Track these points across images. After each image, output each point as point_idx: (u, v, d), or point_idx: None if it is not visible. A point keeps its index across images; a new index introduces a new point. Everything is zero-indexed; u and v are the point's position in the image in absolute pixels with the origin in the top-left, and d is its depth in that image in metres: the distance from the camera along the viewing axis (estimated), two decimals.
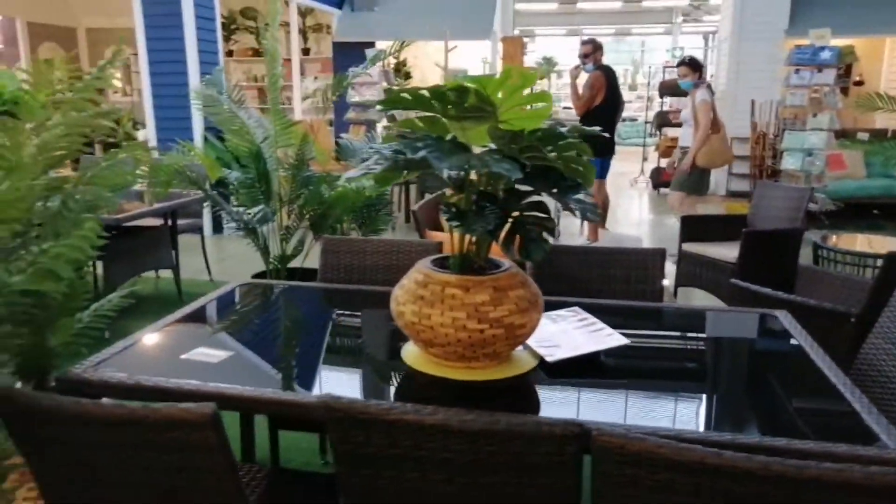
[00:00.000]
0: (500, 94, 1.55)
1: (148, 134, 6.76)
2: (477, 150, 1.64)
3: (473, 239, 1.67)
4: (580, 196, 1.60)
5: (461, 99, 1.53)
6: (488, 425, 1.13)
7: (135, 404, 1.20)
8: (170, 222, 4.49)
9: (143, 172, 2.94)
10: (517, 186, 1.68)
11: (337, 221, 3.49)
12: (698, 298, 4.32)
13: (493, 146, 1.62)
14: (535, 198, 1.63)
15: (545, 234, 1.59)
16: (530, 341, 1.72)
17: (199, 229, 5.14)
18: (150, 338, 1.87)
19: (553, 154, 1.59)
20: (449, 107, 1.56)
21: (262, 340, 1.92)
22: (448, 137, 1.65)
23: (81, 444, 1.25)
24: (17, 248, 1.64)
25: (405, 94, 1.57)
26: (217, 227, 6.71)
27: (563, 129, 1.63)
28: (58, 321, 1.78)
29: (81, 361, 1.68)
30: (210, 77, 3.57)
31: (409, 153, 1.47)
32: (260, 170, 3.22)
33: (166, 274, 4.87)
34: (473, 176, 1.63)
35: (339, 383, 1.72)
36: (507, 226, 1.57)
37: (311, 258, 3.76)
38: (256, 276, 3.53)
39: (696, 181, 5.40)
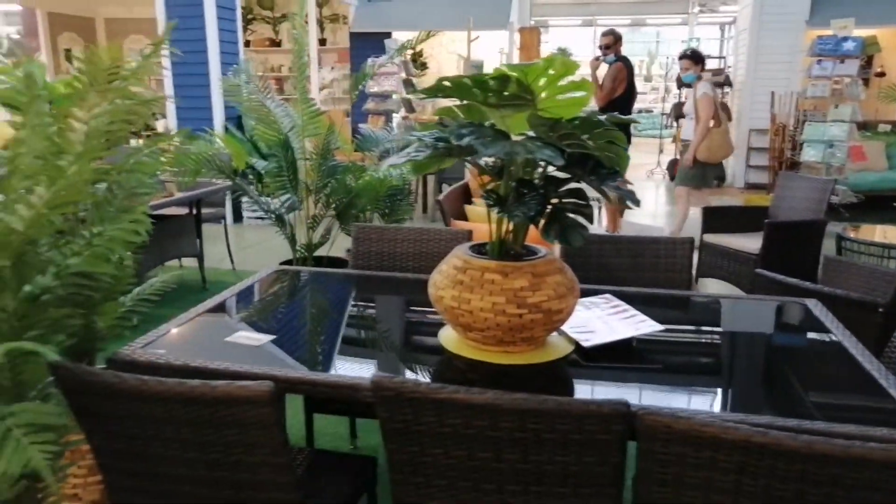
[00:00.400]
0: (541, 83, 1.57)
1: (168, 124, 6.82)
2: (514, 138, 1.67)
3: (510, 226, 1.70)
4: (617, 183, 1.63)
5: (502, 87, 1.56)
6: (537, 404, 1.16)
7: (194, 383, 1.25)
8: (194, 211, 4.55)
9: (170, 160, 2.99)
10: (553, 174, 1.71)
11: (361, 210, 3.52)
12: (716, 288, 4.32)
13: (531, 133, 1.65)
14: (574, 185, 1.66)
15: (584, 221, 1.62)
16: (564, 327, 1.75)
17: (221, 218, 5.20)
18: (193, 321, 1.92)
19: (591, 142, 1.61)
20: (489, 94, 1.59)
21: (300, 325, 1.96)
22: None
23: (140, 419, 1.30)
24: (72, 232, 1.68)
25: (447, 83, 1.60)
26: (237, 217, 6.77)
27: (602, 118, 1.65)
28: (104, 304, 1.83)
29: (129, 343, 1.73)
30: (237, 66, 3.61)
31: (453, 140, 1.50)
32: (288, 159, 3.26)
33: (189, 262, 4.94)
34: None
35: (377, 366, 1.76)
36: (547, 213, 1.60)
37: (335, 247, 3.81)
38: (283, 264, 3.57)
39: (698, 175, 5.39)
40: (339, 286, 2.35)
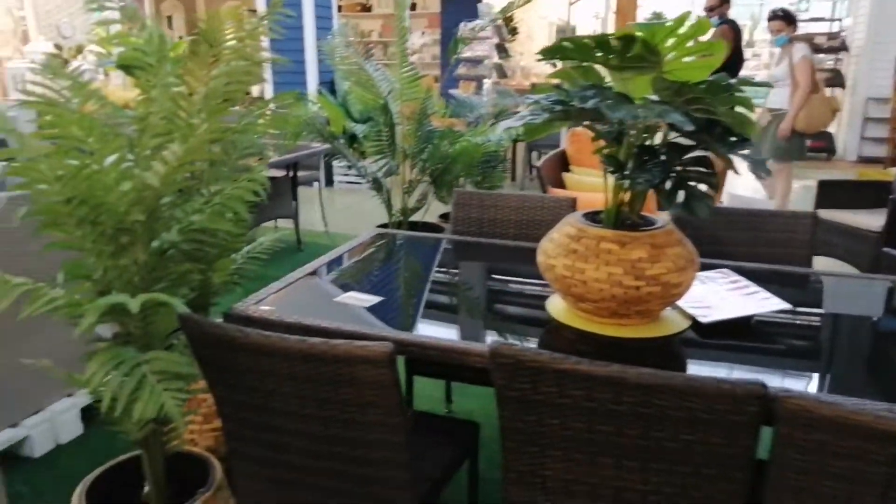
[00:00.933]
0: (668, 43, 1.48)
1: (264, 88, 6.98)
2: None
3: (626, 194, 1.63)
4: (748, 151, 1.53)
5: (626, 48, 1.48)
6: (666, 380, 1.11)
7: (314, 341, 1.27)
8: (290, 174, 4.66)
9: (275, 122, 3.05)
10: (675, 139, 1.62)
11: (457, 176, 3.50)
12: (830, 267, 4.07)
13: (652, 97, 1.56)
14: (699, 152, 1.57)
15: (709, 190, 1.53)
16: (680, 301, 1.68)
17: (313, 181, 5.30)
18: (301, 281, 1.96)
19: (719, 107, 1.52)
20: (611, 56, 1.52)
21: (405, 287, 1.97)
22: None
23: (261, 373, 1.33)
24: (189, 190, 1.73)
25: (567, 43, 1.53)
26: (328, 181, 6.91)
27: (732, 81, 1.55)
28: (219, 260, 1.89)
29: (243, 300, 1.79)
30: (336, 29, 3.62)
31: (577, 102, 1.44)
32: (387, 123, 3.26)
33: (283, 224, 5.08)
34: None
35: (482, 332, 1.75)
36: (670, 180, 1.52)
37: (427, 213, 3.82)
38: (379, 227, 3.60)
39: (796, 147, 5.00)
40: (440, 251, 2.34)
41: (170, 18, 10.22)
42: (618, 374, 1.14)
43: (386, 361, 1.21)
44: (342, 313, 1.73)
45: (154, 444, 1.57)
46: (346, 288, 1.90)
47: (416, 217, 3.67)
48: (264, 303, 1.79)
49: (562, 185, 3.43)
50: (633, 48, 1.47)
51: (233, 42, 1.93)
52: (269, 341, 1.27)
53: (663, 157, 1.57)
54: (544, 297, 1.79)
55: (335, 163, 6.60)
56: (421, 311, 1.82)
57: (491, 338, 1.71)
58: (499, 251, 2.27)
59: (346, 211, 6.06)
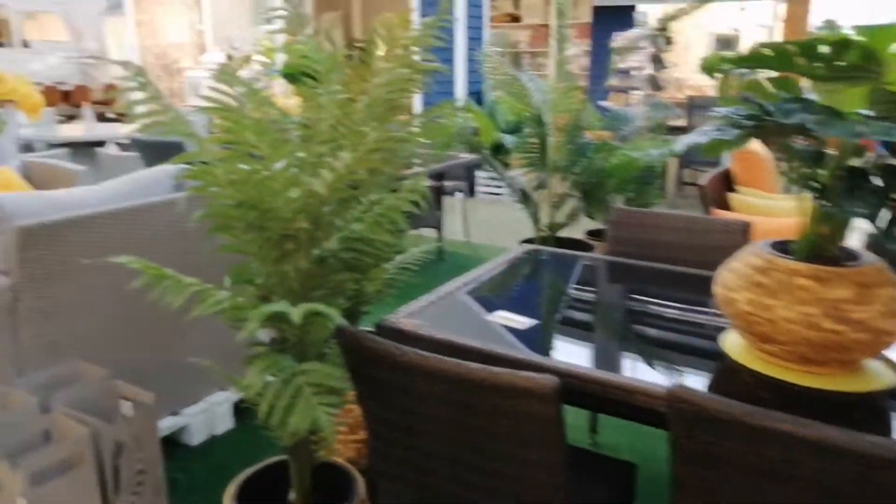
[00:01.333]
0: (894, 49, 1.27)
1: (413, 97, 7.13)
2: None
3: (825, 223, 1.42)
4: None
5: (838, 55, 1.28)
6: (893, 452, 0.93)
7: (474, 366, 1.19)
8: (437, 184, 4.68)
9: (429, 132, 3.04)
10: (890, 163, 1.40)
11: (609, 192, 3.33)
12: None
13: (868, 112, 1.35)
14: None
15: None
16: (888, 351, 1.44)
17: (456, 191, 5.31)
18: (451, 295, 1.90)
19: None
20: (818, 64, 1.32)
21: (561, 310, 1.86)
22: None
23: (414, 393, 1.28)
24: (348, 199, 1.73)
25: (766, 50, 1.36)
26: (469, 191, 6.92)
27: None
28: (373, 269, 1.88)
29: (394, 311, 1.76)
30: (492, 39, 3.58)
31: (779, 117, 1.26)
32: (539, 135, 3.17)
33: (426, 233, 5.12)
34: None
35: (644, 366, 1.60)
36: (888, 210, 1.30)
37: (573, 228, 3.67)
38: (524, 242, 3.51)
39: None
40: (597, 272, 2.20)
41: (322, 31, 10.75)
42: (830, 439, 0.96)
43: (551, 397, 1.11)
44: (494, 334, 1.65)
45: (302, 453, 1.57)
46: (496, 305, 1.82)
47: (561, 232, 3.54)
48: (415, 316, 1.75)
49: (726, 206, 3.16)
50: (847, 55, 1.28)
51: (399, 50, 1.91)
52: (427, 362, 1.21)
53: (878, 183, 1.35)
54: (716, 332, 1.61)
55: (477, 173, 6.60)
56: (576, 337, 1.70)
57: (652, 371, 1.56)
58: (661, 276, 2.10)
59: (487, 222, 6.02)
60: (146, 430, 1.78)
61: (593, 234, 4.08)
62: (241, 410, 2.62)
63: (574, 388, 1.40)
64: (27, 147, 5.69)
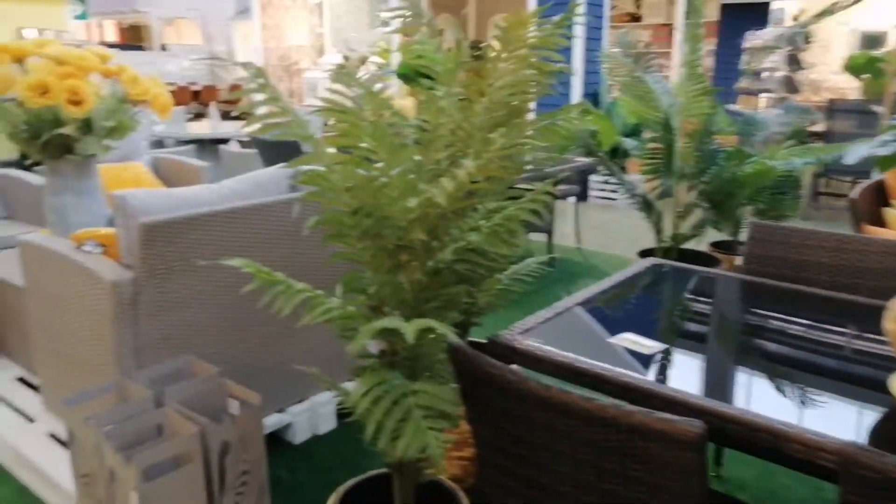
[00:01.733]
0: None
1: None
2: None
3: None
4: None
5: None
6: None
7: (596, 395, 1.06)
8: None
9: (547, 136, 2.91)
10: None
11: (740, 204, 3.07)
12: None
13: None
14: None
15: None
16: None
17: (571, 196, 5.12)
18: (569, 311, 1.77)
19: None
20: None
21: (695, 336, 1.68)
22: None
23: (533, 424, 1.16)
24: (468, 207, 1.64)
25: None
26: (581, 195, 6.70)
27: None
28: (486, 280, 1.78)
29: (509, 327, 1.65)
30: (617, 37, 3.40)
31: None
32: (666, 140, 2.96)
33: (535, 237, 4.97)
34: None
35: (792, 407, 1.40)
36: None
37: (695, 240, 3.41)
38: (644, 252, 3.31)
39: None
40: (732, 292, 1.99)
41: (440, 32, 10.79)
42: None
43: (695, 444, 0.96)
44: (618, 359, 1.50)
45: (407, 471, 1.49)
46: (619, 325, 1.67)
47: (684, 244, 3.30)
48: (531, 333, 1.63)
49: (880, 222, 2.82)
50: None
51: (523, 50, 1.80)
52: (550, 394, 1.09)
53: None
54: (882, 371, 1.39)
55: (591, 177, 6.37)
56: (712, 367, 1.52)
57: (804, 412, 1.36)
58: (808, 301, 1.87)
59: (600, 228, 5.79)
60: (252, 431, 1.77)
61: (717, 245, 3.79)
62: (344, 412, 2.60)
63: (714, 426, 1.23)
64: (158, 143, 6.05)
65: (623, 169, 4.24)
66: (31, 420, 2.34)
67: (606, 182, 6.40)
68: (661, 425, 0.98)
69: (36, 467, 2.10)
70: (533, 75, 1.80)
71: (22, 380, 2.64)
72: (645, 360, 1.49)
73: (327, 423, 2.58)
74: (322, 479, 2.28)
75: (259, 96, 1.29)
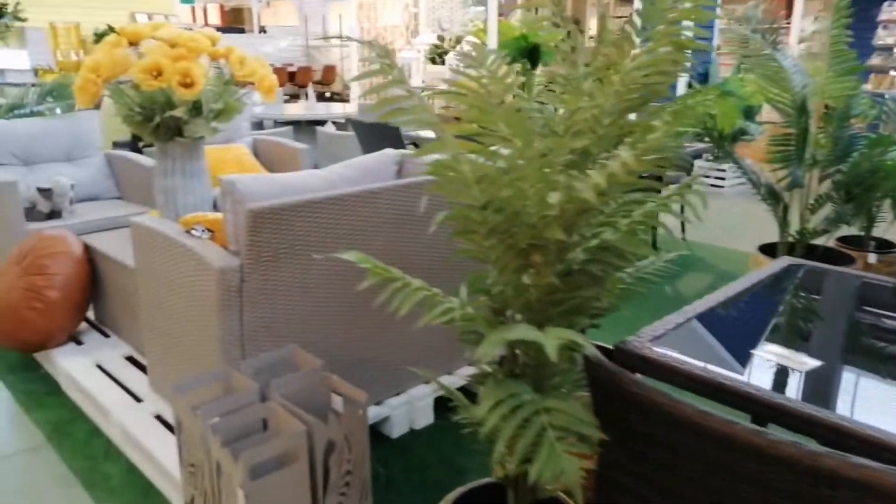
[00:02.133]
0: None
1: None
2: None
3: None
4: None
5: None
6: None
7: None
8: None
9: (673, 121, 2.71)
10: None
11: (881, 196, 2.75)
12: None
13: None
14: None
15: None
16: None
17: (675, 184, 4.84)
18: (703, 317, 1.60)
19: None
20: None
21: (853, 349, 1.47)
22: None
23: (679, 451, 1.02)
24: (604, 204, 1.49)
25: None
26: None
27: None
28: (610, 280, 1.63)
29: (639, 333, 1.50)
30: (747, 10, 3.11)
31: None
32: (800, 124, 2.68)
33: None
34: None
35: None
36: None
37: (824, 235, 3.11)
38: (763, 247, 3.04)
39: None
40: (884, 299, 1.76)
41: (535, 11, 10.52)
42: None
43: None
44: (763, 373, 1.33)
45: (523, 486, 1.38)
46: (760, 334, 1.48)
47: (814, 239, 3.01)
48: (661, 340, 1.48)
49: None
50: None
51: (661, 27, 1.62)
52: (708, 422, 0.94)
53: None
54: None
55: (696, 162, 6.01)
56: (886, 388, 1.32)
57: None
58: None
59: (706, 218, 5.46)
60: (356, 429, 1.70)
61: (844, 240, 3.45)
62: (441, 405, 2.52)
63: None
64: (258, 125, 6.16)
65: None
66: (138, 399, 2.38)
67: (714, 168, 6.03)
68: (858, 473, 0.82)
69: (143, 448, 2.12)
70: (669, 53, 1.62)
71: (130, 359, 2.70)
72: (801, 379, 1.31)
73: (425, 418, 2.50)
74: (418, 477, 2.21)
75: (379, 79, 1.18)
